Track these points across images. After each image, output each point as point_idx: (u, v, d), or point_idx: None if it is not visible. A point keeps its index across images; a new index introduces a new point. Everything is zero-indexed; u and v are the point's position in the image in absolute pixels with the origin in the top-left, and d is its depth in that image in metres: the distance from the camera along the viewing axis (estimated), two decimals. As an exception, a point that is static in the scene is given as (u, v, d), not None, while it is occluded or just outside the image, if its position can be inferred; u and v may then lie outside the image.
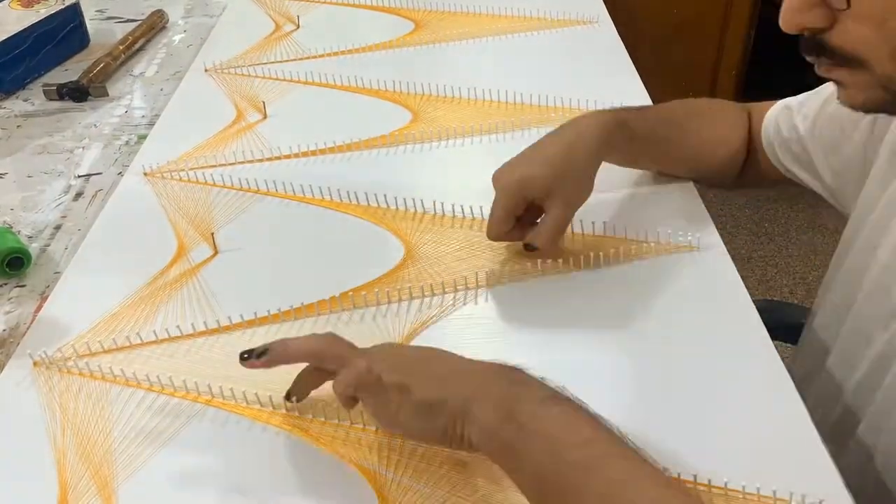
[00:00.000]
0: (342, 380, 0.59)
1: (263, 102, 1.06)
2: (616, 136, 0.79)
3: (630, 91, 1.05)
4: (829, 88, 0.78)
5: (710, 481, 0.57)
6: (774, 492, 0.56)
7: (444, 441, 0.56)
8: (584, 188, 0.77)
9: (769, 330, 0.70)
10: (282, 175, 0.93)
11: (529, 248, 0.76)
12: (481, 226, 0.83)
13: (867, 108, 0.64)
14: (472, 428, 0.54)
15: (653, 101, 1.02)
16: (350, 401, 0.60)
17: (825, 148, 0.80)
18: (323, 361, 0.62)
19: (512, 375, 0.56)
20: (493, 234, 0.77)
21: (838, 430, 0.73)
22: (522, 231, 0.77)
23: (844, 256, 0.77)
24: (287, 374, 0.69)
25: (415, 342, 0.71)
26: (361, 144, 0.98)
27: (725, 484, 0.57)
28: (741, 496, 0.57)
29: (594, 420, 0.52)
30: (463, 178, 0.92)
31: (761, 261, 2.16)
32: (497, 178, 0.76)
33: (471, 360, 0.59)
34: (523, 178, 0.75)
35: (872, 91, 0.60)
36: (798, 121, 0.83)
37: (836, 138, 0.79)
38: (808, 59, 0.61)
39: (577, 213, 0.82)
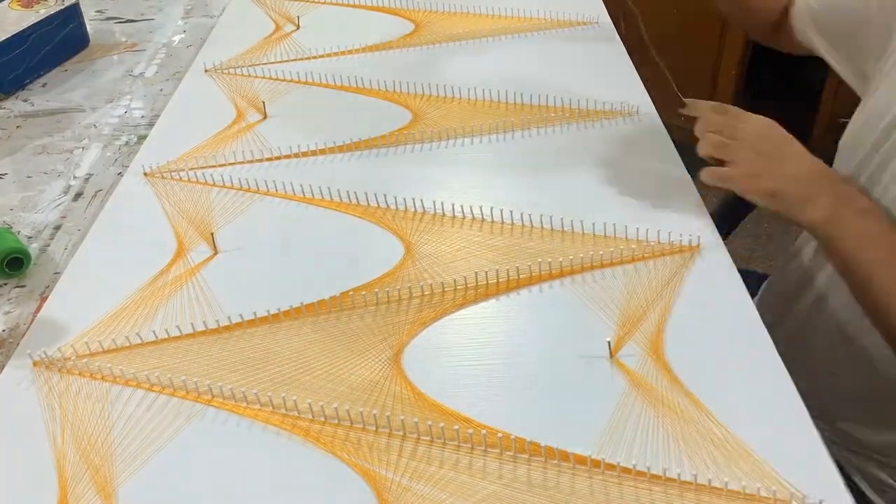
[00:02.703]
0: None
1: (263, 102, 1.06)
2: None
3: (630, 91, 1.05)
4: None
5: (710, 481, 0.57)
6: (774, 492, 0.56)
7: (778, 214, 0.76)
8: None
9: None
10: (282, 175, 0.93)
11: None
12: (481, 226, 0.84)
13: None
14: (803, 218, 0.75)
15: (653, 102, 1.02)
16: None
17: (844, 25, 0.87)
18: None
19: (841, 187, 0.76)
20: None
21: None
22: None
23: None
24: (289, 375, 0.69)
25: (415, 342, 0.71)
26: (361, 144, 0.98)
27: (726, 484, 0.57)
28: (741, 496, 0.57)
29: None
30: (463, 178, 0.92)
31: (761, 261, 2.16)
32: None
33: (811, 160, 0.78)
34: None
35: None
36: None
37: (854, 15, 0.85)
38: None
39: (577, 214, 0.82)
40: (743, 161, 0.78)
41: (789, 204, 0.75)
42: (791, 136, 0.79)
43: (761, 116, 0.81)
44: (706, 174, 0.79)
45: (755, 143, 0.79)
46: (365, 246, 0.83)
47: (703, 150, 0.81)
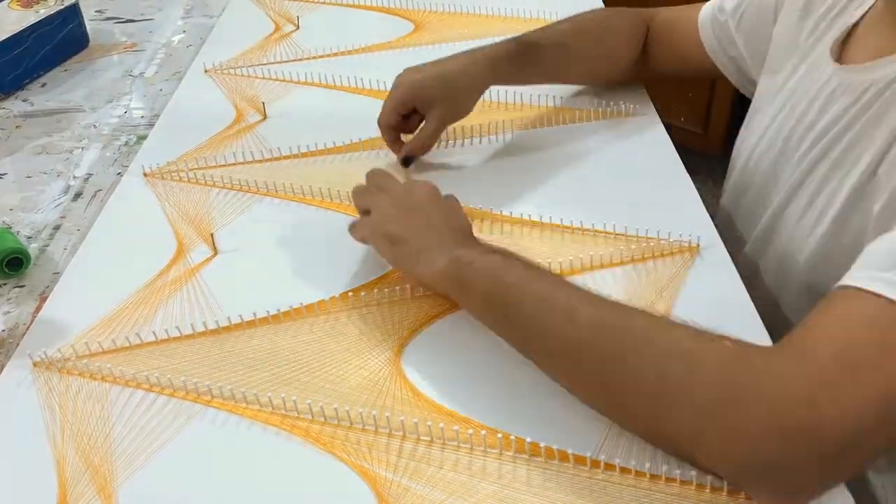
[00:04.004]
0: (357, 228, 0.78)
1: (263, 103, 1.06)
2: (504, 67, 0.93)
3: (630, 90, 1.05)
4: None
5: (710, 481, 0.57)
6: (775, 492, 0.56)
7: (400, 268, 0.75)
8: (461, 110, 0.93)
9: None
10: (282, 175, 0.93)
11: (406, 160, 0.91)
12: (481, 226, 0.84)
13: None
14: (416, 269, 0.71)
15: (654, 104, 1.03)
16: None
17: (748, 36, 0.92)
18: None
19: (463, 243, 0.71)
20: (381, 121, 0.92)
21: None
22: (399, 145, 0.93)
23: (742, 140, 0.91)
24: (289, 375, 0.69)
25: (415, 342, 0.71)
26: (361, 145, 0.98)
27: (726, 485, 0.57)
28: (742, 497, 0.57)
29: (527, 262, 0.68)
30: (463, 178, 0.92)
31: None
32: (399, 76, 0.92)
33: (448, 219, 0.74)
34: (415, 84, 0.90)
35: None
36: (728, 16, 0.93)
37: (757, 25, 0.90)
38: None
39: (577, 214, 0.82)
40: (378, 209, 0.75)
41: (405, 254, 0.71)
42: (446, 200, 0.76)
43: (423, 181, 0.78)
44: (350, 227, 0.79)
45: (398, 196, 0.76)
46: (365, 246, 0.83)
47: (354, 198, 0.80)
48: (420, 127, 0.92)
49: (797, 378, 0.52)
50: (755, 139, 0.87)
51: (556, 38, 0.98)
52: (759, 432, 0.52)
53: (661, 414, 0.57)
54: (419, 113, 0.92)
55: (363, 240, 0.77)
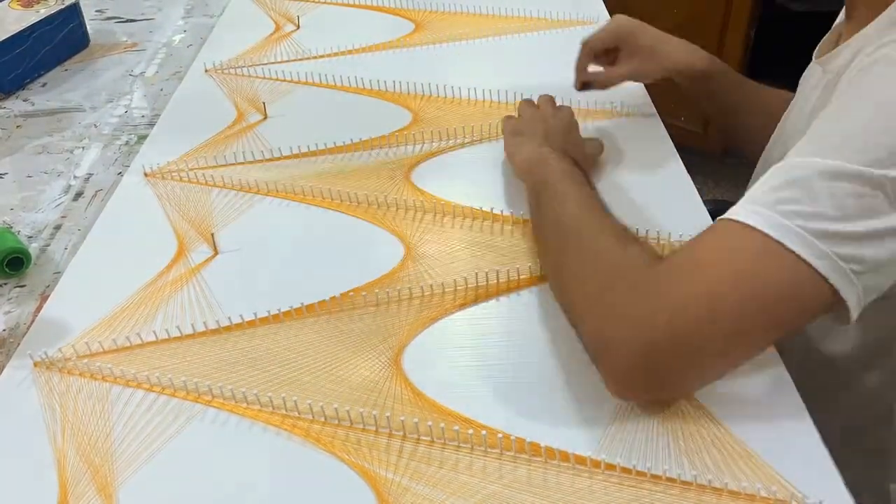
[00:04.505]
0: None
1: (264, 103, 1.06)
2: (703, 73, 0.96)
3: (630, 91, 1.05)
4: None
5: (710, 482, 0.58)
6: (774, 492, 0.57)
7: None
8: (653, 71, 0.96)
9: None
10: (282, 175, 0.93)
11: (584, 85, 0.98)
12: (482, 226, 0.84)
13: None
14: (514, 158, 0.87)
15: (653, 103, 1.02)
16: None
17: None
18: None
19: (548, 166, 0.80)
20: (588, 42, 0.97)
21: None
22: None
23: None
24: (289, 375, 0.69)
25: (415, 342, 0.71)
26: (361, 144, 0.98)
27: (726, 485, 0.57)
28: (741, 497, 0.57)
29: (572, 176, 0.77)
30: (463, 179, 0.92)
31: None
32: (616, 16, 0.98)
33: (566, 135, 0.88)
34: (625, 27, 0.96)
35: None
36: None
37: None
38: None
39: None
40: (523, 118, 0.91)
41: (516, 142, 0.87)
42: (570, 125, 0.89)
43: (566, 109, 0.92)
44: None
45: (550, 113, 0.91)
46: (365, 246, 0.83)
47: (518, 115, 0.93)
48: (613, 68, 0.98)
49: (653, 301, 0.60)
50: (770, 143, 0.88)
51: (768, 94, 1.00)
52: (616, 334, 0.61)
53: (567, 295, 0.69)
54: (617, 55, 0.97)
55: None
